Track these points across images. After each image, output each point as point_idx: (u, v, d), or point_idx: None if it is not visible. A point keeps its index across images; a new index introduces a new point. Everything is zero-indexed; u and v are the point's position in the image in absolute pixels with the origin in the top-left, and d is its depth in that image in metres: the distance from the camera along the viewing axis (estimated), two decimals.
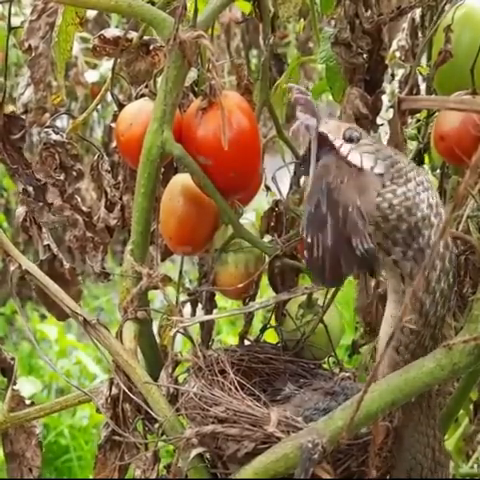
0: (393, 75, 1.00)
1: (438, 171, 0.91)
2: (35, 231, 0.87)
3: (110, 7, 0.73)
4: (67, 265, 0.87)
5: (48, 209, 0.88)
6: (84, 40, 2.73)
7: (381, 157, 0.63)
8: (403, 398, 0.62)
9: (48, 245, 0.86)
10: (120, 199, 0.89)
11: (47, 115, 0.86)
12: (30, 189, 0.87)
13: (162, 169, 0.80)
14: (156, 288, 0.73)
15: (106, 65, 3.11)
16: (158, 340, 0.80)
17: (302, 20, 0.90)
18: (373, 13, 0.72)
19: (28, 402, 0.83)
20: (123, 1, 0.71)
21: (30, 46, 0.81)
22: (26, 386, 2.26)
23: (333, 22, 0.82)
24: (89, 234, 0.88)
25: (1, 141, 0.86)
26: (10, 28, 0.83)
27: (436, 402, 0.69)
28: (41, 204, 0.88)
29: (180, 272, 0.85)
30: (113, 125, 0.84)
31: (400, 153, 0.65)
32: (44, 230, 0.87)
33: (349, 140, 0.63)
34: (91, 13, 2.79)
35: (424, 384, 0.62)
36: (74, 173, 0.88)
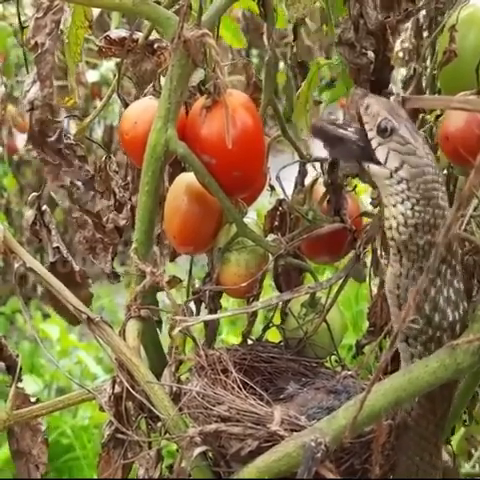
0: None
1: (444, 171, 0.91)
2: (45, 234, 0.87)
3: (115, 6, 0.73)
4: (77, 268, 0.87)
5: (100, 196, 0.88)
6: (84, 40, 2.72)
7: (411, 162, 0.61)
8: (406, 397, 0.62)
9: (58, 247, 0.86)
10: (130, 199, 0.89)
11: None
12: (79, 183, 0.87)
13: (169, 167, 0.80)
14: (161, 289, 0.73)
15: (106, 65, 3.11)
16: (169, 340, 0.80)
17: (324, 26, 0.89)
18: (378, 13, 0.72)
19: (33, 399, 0.84)
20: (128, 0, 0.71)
21: (36, 43, 0.81)
22: (27, 385, 2.25)
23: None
24: (98, 235, 0.88)
25: (39, 146, 0.86)
26: (22, 27, 0.84)
27: (448, 415, 0.69)
28: (92, 193, 0.88)
29: (190, 272, 0.86)
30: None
31: (434, 160, 0.63)
32: (53, 233, 0.87)
33: (383, 131, 0.61)
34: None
35: (427, 384, 0.62)
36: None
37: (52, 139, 0.85)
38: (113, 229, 0.88)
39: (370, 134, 0.62)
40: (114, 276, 0.89)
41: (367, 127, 0.62)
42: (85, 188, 0.87)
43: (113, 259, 0.89)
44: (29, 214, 0.87)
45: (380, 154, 0.62)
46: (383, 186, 0.63)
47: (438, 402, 0.66)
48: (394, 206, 0.62)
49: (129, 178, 0.90)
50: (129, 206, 0.89)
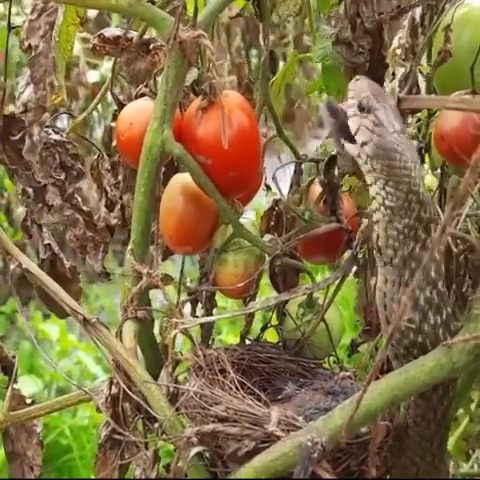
0: (394, 74, 1.00)
1: (438, 171, 0.91)
2: (36, 231, 0.87)
3: (110, 6, 0.73)
4: (68, 264, 0.87)
5: (47, 210, 0.88)
6: (85, 40, 2.73)
7: (376, 141, 0.64)
8: (403, 397, 0.62)
9: (49, 244, 0.86)
10: (120, 198, 0.89)
11: (47, 115, 0.86)
12: (30, 190, 0.87)
13: (163, 168, 0.80)
14: (156, 287, 0.73)
15: (106, 65, 3.12)
16: (159, 340, 0.80)
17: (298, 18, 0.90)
18: (374, 12, 0.72)
19: (28, 401, 0.84)
20: (123, 0, 0.71)
21: (30, 45, 0.81)
22: (27, 385, 2.25)
23: (332, 21, 0.82)
24: (89, 233, 0.88)
25: (1, 142, 0.86)
26: (10, 27, 0.84)
27: (450, 413, 0.69)
28: (40, 205, 0.88)
29: (181, 271, 0.85)
30: (114, 125, 0.85)
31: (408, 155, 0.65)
32: (44, 229, 0.87)
33: (362, 108, 0.64)
34: (92, 13, 2.79)
35: (424, 383, 0.62)
36: (74, 173, 0.88)
37: (16, 138, 0.85)
38: (104, 227, 0.89)
39: (350, 101, 0.65)
40: (104, 275, 0.89)
41: (350, 94, 0.65)
42: (35, 198, 0.87)
43: (104, 258, 0.89)
44: (20, 211, 0.87)
45: (352, 124, 0.65)
46: (360, 165, 0.65)
47: (435, 400, 0.66)
48: (370, 186, 0.65)
49: (120, 177, 0.90)
50: (120, 205, 0.89)
